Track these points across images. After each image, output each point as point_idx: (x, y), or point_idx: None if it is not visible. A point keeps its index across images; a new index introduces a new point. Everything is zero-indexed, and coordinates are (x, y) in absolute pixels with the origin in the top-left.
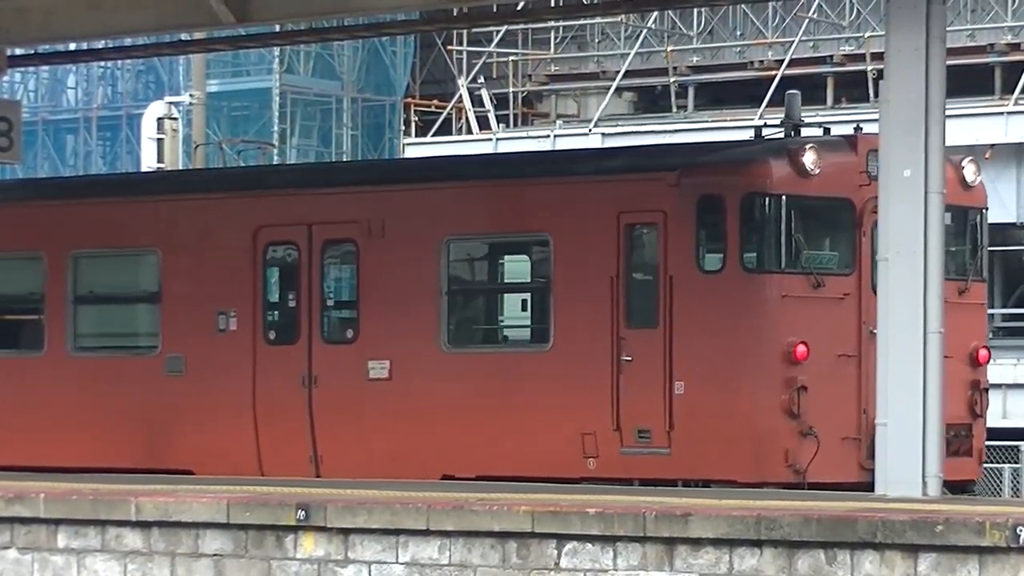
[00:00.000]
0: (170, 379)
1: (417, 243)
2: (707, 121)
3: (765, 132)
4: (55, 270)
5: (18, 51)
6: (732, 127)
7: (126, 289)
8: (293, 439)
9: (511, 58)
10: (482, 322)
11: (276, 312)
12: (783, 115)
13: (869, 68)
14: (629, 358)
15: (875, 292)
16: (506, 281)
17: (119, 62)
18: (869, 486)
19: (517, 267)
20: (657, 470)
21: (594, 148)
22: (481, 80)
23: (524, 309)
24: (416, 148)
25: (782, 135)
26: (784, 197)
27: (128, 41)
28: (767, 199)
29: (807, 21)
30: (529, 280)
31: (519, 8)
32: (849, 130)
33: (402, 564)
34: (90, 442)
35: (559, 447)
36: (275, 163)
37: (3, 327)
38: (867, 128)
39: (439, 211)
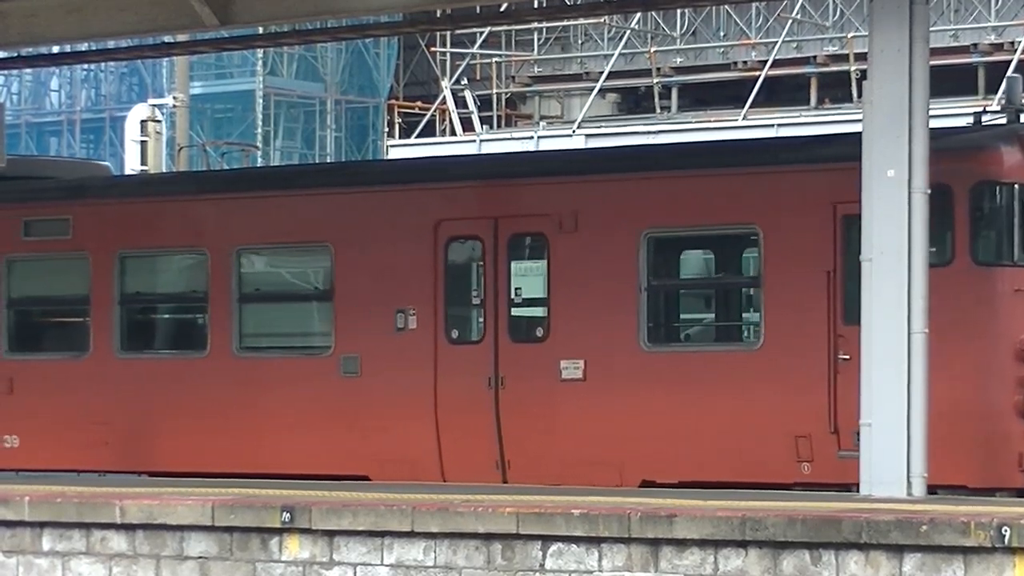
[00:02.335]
0: (345, 380)
1: (613, 236)
2: (691, 122)
3: (985, 118)
4: (219, 267)
5: (0, 54)
6: (716, 128)
7: (296, 286)
8: (478, 444)
9: (494, 60)
10: (685, 319)
11: (459, 310)
12: (1004, 100)
13: (852, 68)
14: (847, 356)
15: None
16: (712, 276)
17: (102, 65)
18: None
19: (723, 261)
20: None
21: (807, 135)
22: (464, 82)
23: (732, 305)
24: (399, 150)
25: (1004, 121)
26: (1017, 186)
27: (111, 44)
28: (998, 188)
29: (790, 22)
30: (737, 275)
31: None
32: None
33: (387, 566)
34: (255, 447)
35: (770, 451)
36: (456, 154)
37: (163, 327)
38: (850, 128)
39: (637, 203)
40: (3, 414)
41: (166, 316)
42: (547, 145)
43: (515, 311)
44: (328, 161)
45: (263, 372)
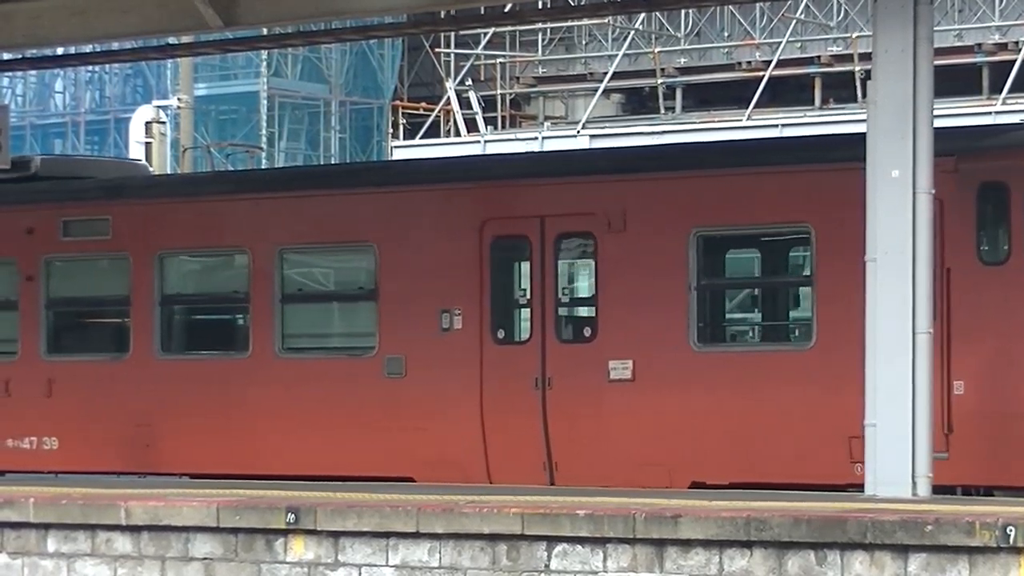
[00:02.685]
0: (389, 381)
1: (663, 235)
2: (695, 122)
3: None
4: (261, 267)
5: (5, 56)
6: (720, 128)
7: (339, 287)
8: (524, 445)
9: (498, 60)
10: (735, 319)
11: (505, 310)
12: None
13: (856, 69)
14: None
15: None
16: (761, 276)
17: (107, 66)
18: None
19: (775, 260)
20: (934, 476)
21: (859, 132)
22: (469, 83)
23: (783, 305)
24: (404, 151)
25: None
26: None
27: (116, 45)
28: None
29: (794, 22)
30: (788, 274)
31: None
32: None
33: (392, 567)
34: (299, 449)
35: (823, 452)
36: (501, 152)
37: (204, 328)
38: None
39: (687, 201)
40: (42, 416)
41: (207, 317)
42: (551, 146)
43: (562, 311)
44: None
45: (306, 373)
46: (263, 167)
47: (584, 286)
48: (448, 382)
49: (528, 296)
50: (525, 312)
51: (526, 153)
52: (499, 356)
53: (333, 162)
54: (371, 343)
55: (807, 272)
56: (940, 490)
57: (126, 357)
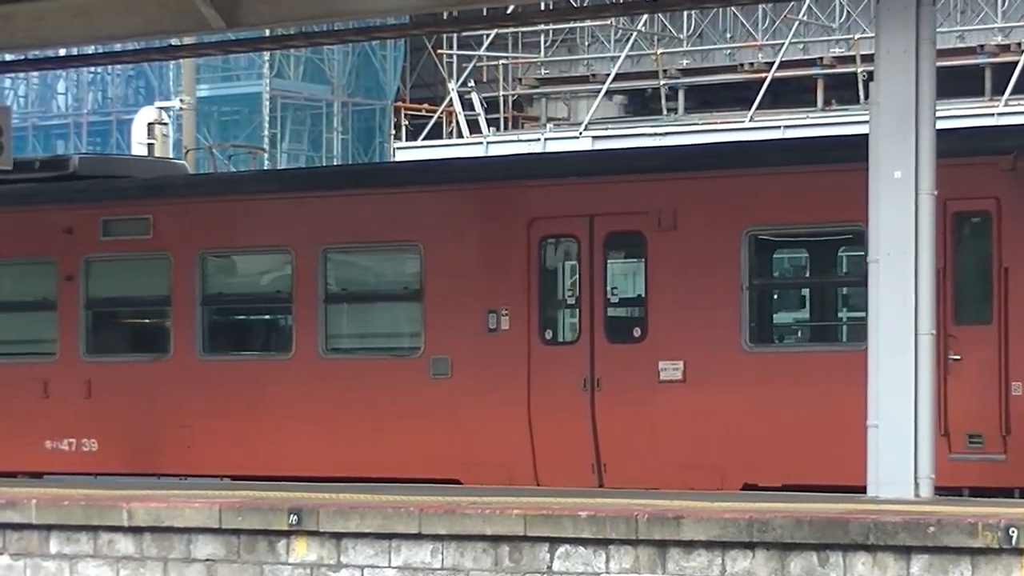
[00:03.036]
0: (435, 382)
1: (714, 234)
2: (697, 124)
3: None
4: (304, 267)
5: (7, 57)
6: (723, 129)
7: (383, 287)
8: (573, 446)
9: (501, 62)
10: (788, 319)
11: (553, 310)
12: None
13: (859, 70)
14: (958, 356)
15: None
16: (815, 276)
17: (109, 68)
18: None
19: (827, 259)
20: (990, 478)
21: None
22: (471, 84)
23: (834, 304)
24: (406, 152)
25: None
26: None
27: (118, 46)
28: None
29: (797, 23)
30: (843, 273)
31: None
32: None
33: (395, 568)
34: (342, 451)
35: None
36: (549, 151)
37: (247, 328)
38: (856, 130)
39: (739, 200)
40: (81, 417)
41: (250, 317)
42: (553, 147)
43: (611, 311)
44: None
45: (349, 374)
46: (266, 168)
47: (634, 286)
48: (495, 383)
49: (577, 295)
50: (573, 312)
51: (576, 151)
52: (547, 357)
53: (335, 163)
54: (417, 344)
55: (861, 272)
56: (998, 493)
57: (167, 358)
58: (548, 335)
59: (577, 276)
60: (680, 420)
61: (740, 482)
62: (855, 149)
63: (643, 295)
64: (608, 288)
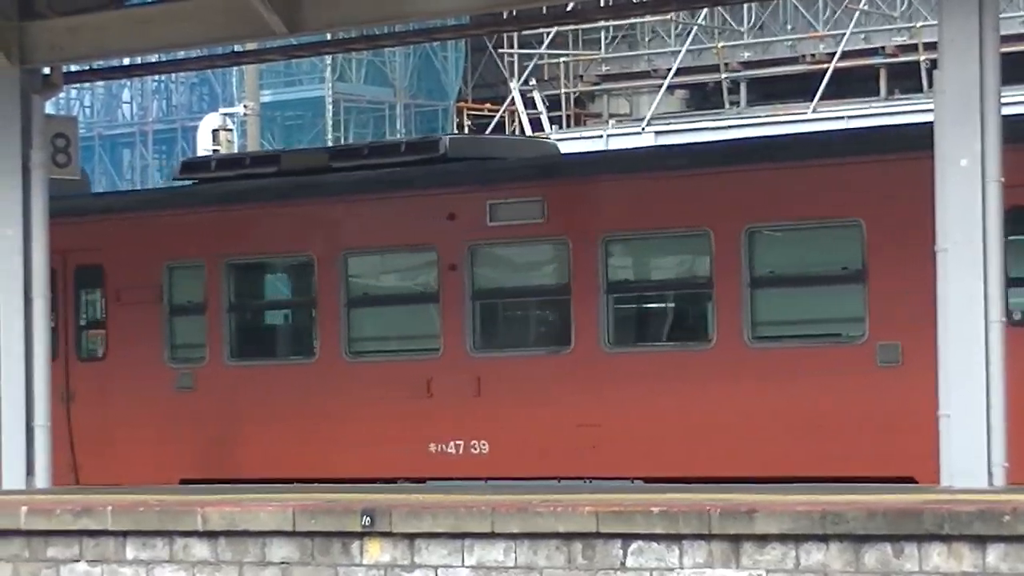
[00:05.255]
0: (882, 371)
1: None
2: (760, 116)
3: None
4: (725, 249)
5: (73, 68)
6: (786, 121)
7: (819, 268)
8: None
9: (562, 59)
10: None
11: None
12: None
13: (922, 58)
14: None
15: None
16: None
17: (173, 75)
18: None
19: None
20: None
21: None
22: (533, 82)
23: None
24: None
25: None
26: None
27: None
28: None
29: (858, 13)
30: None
31: (568, 9)
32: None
33: (468, 568)
34: (771, 449)
35: None
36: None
37: (658, 317)
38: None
39: None
40: (470, 418)
41: (662, 305)
42: (617, 144)
43: None
44: None
45: (779, 364)
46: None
47: None
48: None
49: None
50: None
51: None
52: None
53: None
54: (860, 330)
55: None
56: None
57: (567, 351)
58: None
59: None
60: None
61: None
62: None
63: None
64: None
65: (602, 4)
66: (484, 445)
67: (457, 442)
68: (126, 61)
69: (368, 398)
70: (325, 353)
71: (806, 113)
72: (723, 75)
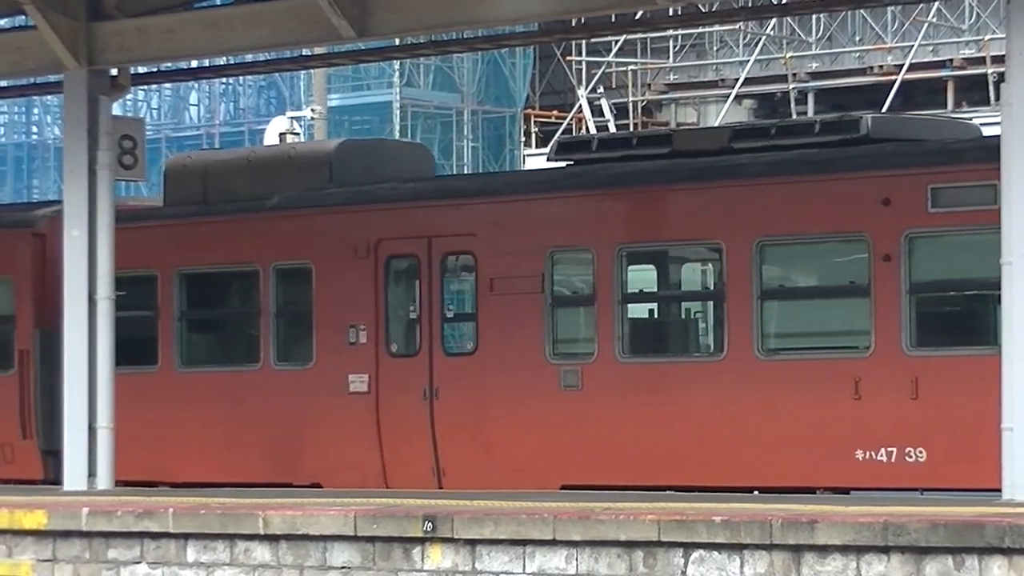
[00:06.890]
0: None
1: None
2: None
3: None
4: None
5: (140, 69)
6: None
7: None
8: None
9: (630, 67)
10: None
11: None
12: None
13: (989, 71)
14: None
15: None
16: None
17: (241, 78)
18: None
19: None
20: None
21: None
22: (600, 90)
23: None
24: (537, 159)
25: None
26: None
27: (249, 57)
28: None
29: (926, 25)
30: None
31: (637, 17)
32: None
33: (529, 574)
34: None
35: None
36: None
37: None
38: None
39: None
40: (906, 422)
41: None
42: None
43: None
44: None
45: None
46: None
47: None
48: None
49: None
50: None
51: None
52: None
53: (465, 171)
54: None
55: None
56: None
57: None
58: None
59: None
60: None
61: None
62: None
63: None
64: None
65: (671, 13)
66: (921, 453)
67: (889, 449)
68: (194, 63)
69: (785, 399)
70: (733, 350)
71: None
72: (791, 85)
